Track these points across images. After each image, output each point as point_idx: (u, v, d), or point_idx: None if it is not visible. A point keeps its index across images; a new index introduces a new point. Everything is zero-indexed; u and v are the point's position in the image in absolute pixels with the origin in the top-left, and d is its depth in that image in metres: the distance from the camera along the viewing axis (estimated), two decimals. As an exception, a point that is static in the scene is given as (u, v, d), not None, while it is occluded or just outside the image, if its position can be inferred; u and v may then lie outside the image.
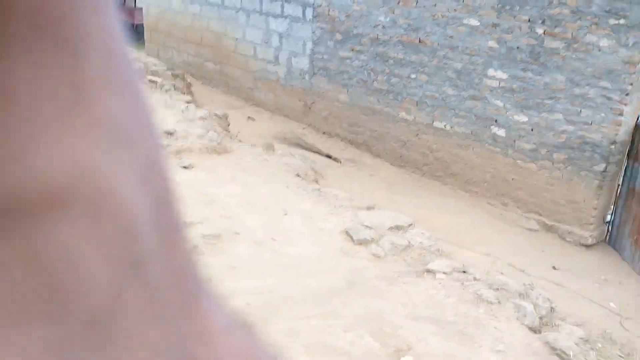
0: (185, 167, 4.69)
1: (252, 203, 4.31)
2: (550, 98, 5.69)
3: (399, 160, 7.05)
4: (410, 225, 5.00)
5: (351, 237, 4.41)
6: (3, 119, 0.15)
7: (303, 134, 7.67)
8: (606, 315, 4.08)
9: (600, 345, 3.60)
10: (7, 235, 0.15)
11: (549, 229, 5.59)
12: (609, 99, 5.27)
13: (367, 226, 4.63)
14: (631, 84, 5.14)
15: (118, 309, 0.18)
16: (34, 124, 0.15)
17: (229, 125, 6.44)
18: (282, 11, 8.35)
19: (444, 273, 4.20)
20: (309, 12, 7.96)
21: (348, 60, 7.60)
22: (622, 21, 5.10)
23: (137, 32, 11.04)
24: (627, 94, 5.16)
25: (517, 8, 5.81)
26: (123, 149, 0.18)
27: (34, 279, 0.16)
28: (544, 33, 5.66)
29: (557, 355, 3.40)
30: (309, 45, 8.08)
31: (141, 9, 10.97)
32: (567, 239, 5.43)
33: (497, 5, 5.96)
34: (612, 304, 4.27)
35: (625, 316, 4.11)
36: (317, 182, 5.75)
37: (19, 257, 0.15)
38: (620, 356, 3.54)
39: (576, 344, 3.53)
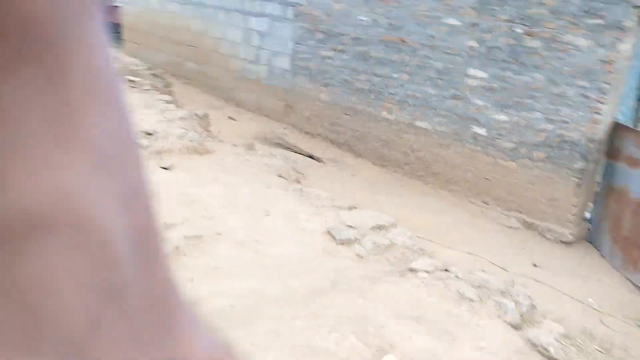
0: (165, 168, 4.63)
1: (233, 203, 4.28)
2: (530, 97, 5.75)
3: (380, 159, 7.07)
4: (392, 224, 5.01)
5: (334, 237, 4.41)
6: None
7: (284, 134, 7.65)
8: (586, 312, 4.14)
9: (580, 341, 3.65)
10: None
11: (529, 226, 5.65)
12: (587, 97, 5.35)
13: (349, 226, 4.63)
14: (608, 83, 5.21)
15: (95, 336, 0.17)
16: (17, 148, 0.15)
17: (209, 125, 6.38)
18: (263, 10, 8.31)
19: (426, 272, 4.22)
20: (290, 11, 7.93)
21: (329, 60, 7.59)
22: (599, 21, 5.18)
23: (116, 31, 10.89)
24: (604, 93, 5.24)
25: (497, 8, 5.86)
26: (106, 174, 0.18)
27: (11, 307, 0.15)
28: (523, 33, 5.72)
29: (538, 351, 3.43)
30: (290, 44, 8.06)
31: (119, 7, 10.83)
32: (547, 237, 5.49)
33: (477, 4, 6.00)
34: (591, 300, 4.33)
35: (604, 312, 4.17)
36: (299, 182, 5.73)
37: None
38: (600, 351, 3.59)
39: (556, 340, 3.57)
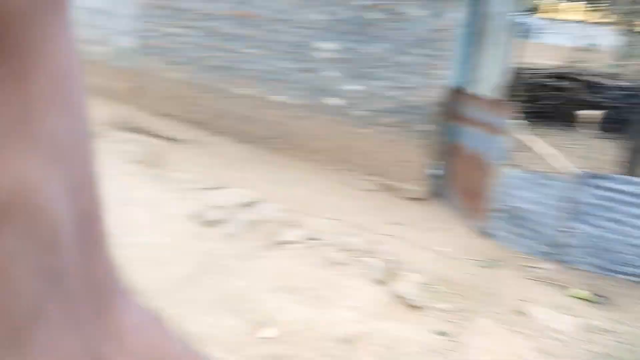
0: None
1: (88, 197, 4.00)
2: (377, 67, 6.07)
3: (242, 136, 7.04)
4: (260, 200, 5.05)
5: (200, 220, 4.34)
6: None
7: (138, 117, 7.27)
8: (441, 260, 4.56)
9: (438, 287, 4.02)
10: None
11: (386, 188, 6.03)
12: (426, 65, 5.78)
13: (216, 206, 4.58)
14: (446, 50, 5.67)
15: (39, 318, 0.18)
16: None
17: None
18: (100, -14, 7.72)
19: (296, 242, 4.33)
20: (131, -13, 7.47)
21: (179, 37, 7.31)
22: (431, -8, 5.59)
23: None
24: (440, 60, 5.70)
25: (340, -19, 6.05)
26: (57, 166, 0.19)
27: None
28: (367, 5, 5.98)
29: (401, 302, 3.72)
30: (135, 22, 7.61)
31: None
32: (402, 196, 5.91)
33: (321, -22, 6.14)
34: (446, 249, 4.78)
35: (456, 258, 4.63)
36: (158, 167, 5.51)
37: None
38: (458, 294, 3.98)
39: (418, 290, 3.90)
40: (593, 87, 9.70)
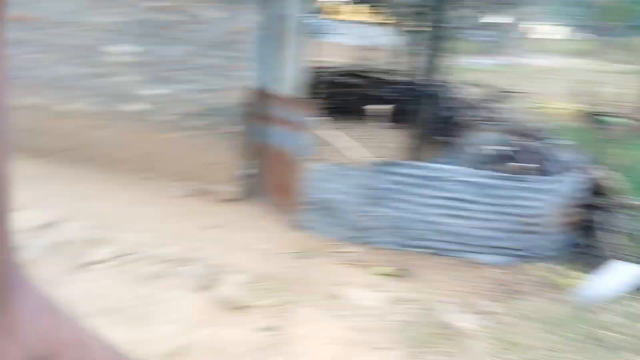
0: None
1: None
2: (178, 70, 5.95)
3: (33, 151, 6.33)
4: (60, 220, 4.62)
5: (-10, 250, 3.82)
6: None
7: None
8: (262, 258, 4.68)
9: (261, 284, 4.12)
10: None
11: (199, 192, 5.97)
12: (230, 66, 5.84)
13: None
14: (245, 52, 5.79)
15: None
16: None
17: None
18: None
19: (106, 261, 4.07)
20: None
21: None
22: (226, -5, 5.65)
23: None
24: (243, 61, 5.81)
25: (130, -19, 5.77)
26: None
27: None
28: (162, 7, 5.81)
29: (226, 305, 3.74)
30: None
31: None
32: (217, 199, 5.91)
33: (109, -22, 5.79)
34: (264, 246, 4.91)
35: (275, 253, 4.79)
36: None
37: None
38: (279, 288, 4.12)
39: (241, 290, 3.95)
40: (378, 83, 10.76)
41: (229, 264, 4.38)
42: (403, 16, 12.34)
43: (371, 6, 15.03)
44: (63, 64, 6.16)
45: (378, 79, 10.86)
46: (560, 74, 16.46)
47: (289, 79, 6.90)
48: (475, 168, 5.30)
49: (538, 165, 5.42)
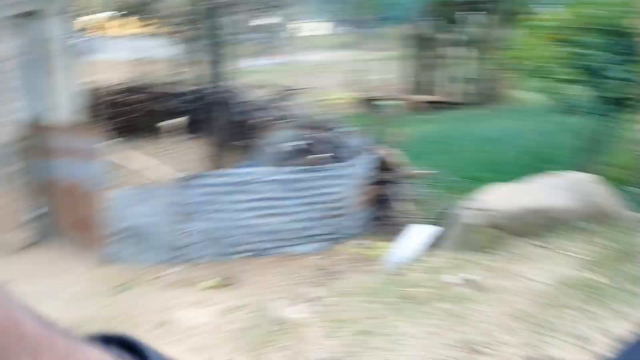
0: None
1: None
2: None
3: None
4: None
5: None
6: None
7: None
8: (74, 302, 4.24)
9: (83, 330, 3.74)
10: None
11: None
12: (-10, 100, 5.13)
13: None
14: (11, 81, 5.14)
15: None
16: None
17: None
18: None
19: None
20: None
21: None
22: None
23: None
24: (9, 92, 5.15)
25: None
26: None
27: None
28: None
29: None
30: None
31: None
32: (7, 249, 5.18)
33: None
34: (74, 290, 4.45)
35: (88, 294, 4.39)
36: None
37: None
38: (106, 329, 3.79)
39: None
40: (164, 96, 10.45)
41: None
42: (176, 25, 12.16)
43: (140, 18, 14.50)
44: None
45: (163, 92, 10.55)
46: (333, 67, 17.91)
47: (64, 105, 6.32)
48: (278, 166, 5.53)
49: (332, 154, 5.86)
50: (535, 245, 4.13)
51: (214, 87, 8.12)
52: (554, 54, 6.55)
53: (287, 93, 9.32)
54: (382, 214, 5.71)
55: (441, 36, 15.06)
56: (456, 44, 14.87)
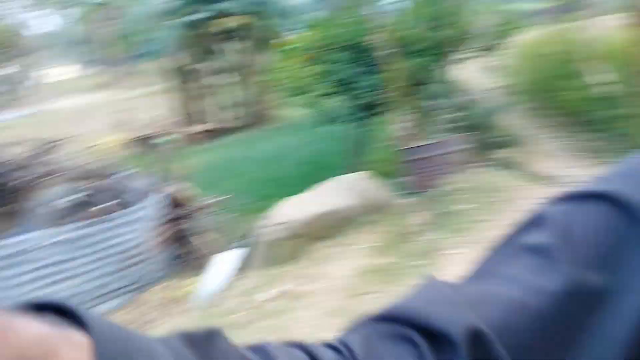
0: None
1: None
2: None
3: None
4: None
5: None
6: None
7: None
8: None
9: None
10: None
11: None
12: None
13: None
14: None
15: None
16: None
17: None
18: None
19: None
20: None
21: None
22: None
23: None
24: None
25: None
26: None
27: None
28: None
29: None
30: None
31: None
32: None
33: None
34: None
35: None
36: None
37: None
38: None
39: None
40: None
41: None
42: None
43: None
44: None
45: None
46: (94, 110, 16.83)
47: None
48: (57, 226, 5.02)
49: (117, 201, 5.54)
50: (332, 245, 4.52)
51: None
52: (310, 72, 7.22)
53: (50, 145, 8.50)
54: (183, 251, 5.59)
55: (202, 66, 15.34)
56: (218, 72, 15.31)
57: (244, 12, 13.51)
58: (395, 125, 6.41)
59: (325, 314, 3.52)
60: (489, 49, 7.42)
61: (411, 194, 5.43)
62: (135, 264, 5.18)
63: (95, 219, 5.08)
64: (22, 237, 4.66)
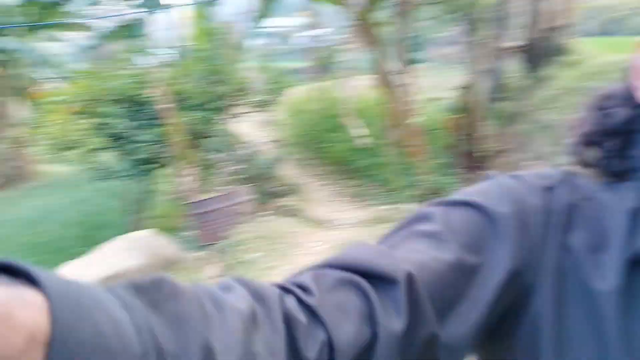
0: None
1: None
2: None
3: None
4: None
5: None
6: None
7: None
8: None
9: None
10: None
11: None
12: None
13: None
14: None
15: None
16: None
17: None
18: None
19: None
20: None
21: None
22: None
23: None
24: None
25: None
26: None
27: None
28: None
29: None
30: None
31: None
32: None
33: None
34: None
35: None
36: None
37: None
38: None
39: None
40: None
41: None
42: None
43: None
44: None
45: None
46: None
47: None
48: None
49: None
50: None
51: None
52: (79, 125, 6.72)
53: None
54: None
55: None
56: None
57: (-7, 59, 11.99)
58: (179, 179, 6.34)
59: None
60: (263, 104, 7.92)
61: (201, 247, 5.40)
62: None
63: None
64: None
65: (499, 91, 5.58)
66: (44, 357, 0.27)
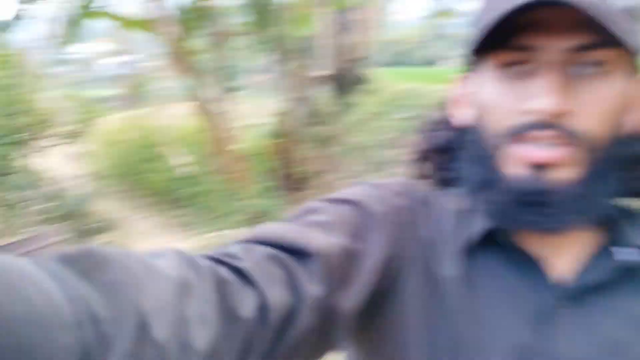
0: None
1: None
2: None
3: None
4: None
5: None
6: None
7: None
8: None
9: None
10: None
11: None
12: None
13: None
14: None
15: None
16: None
17: None
18: None
19: None
20: None
21: None
22: None
23: None
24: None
25: None
26: None
27: None
28: None
29: None
30: None
31: None
32: None
33: None
34: None
35: None
36: None
37: None
38: None
39: None
40: None
41: None
42: None
43: None
44: None
45: None
46: None
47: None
48: None
49: None
50: None
51: None
52: None
53: None
54: None
55: None
56: None
57: None
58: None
59: None
60: (72, 135, 7.33)
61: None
62: None
63: None
64: None
65: (313, 116, 5.96)
66: None
